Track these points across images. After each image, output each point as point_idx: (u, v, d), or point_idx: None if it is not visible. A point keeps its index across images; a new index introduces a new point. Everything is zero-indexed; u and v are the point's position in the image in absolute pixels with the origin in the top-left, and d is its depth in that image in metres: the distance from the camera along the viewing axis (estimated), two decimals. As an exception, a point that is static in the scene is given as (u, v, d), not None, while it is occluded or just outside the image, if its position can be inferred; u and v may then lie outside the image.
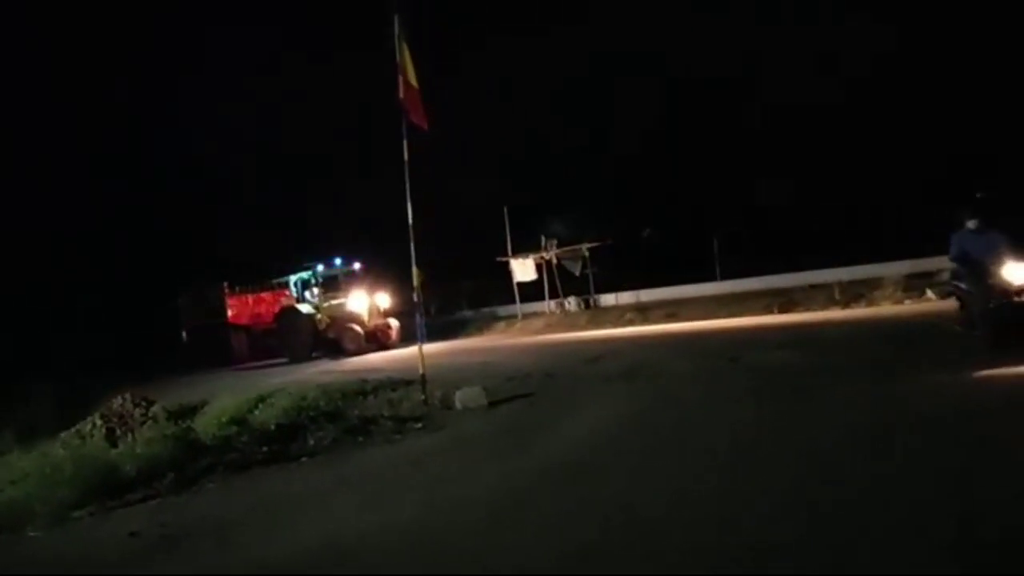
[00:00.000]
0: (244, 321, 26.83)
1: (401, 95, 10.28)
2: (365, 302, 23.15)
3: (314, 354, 22.97)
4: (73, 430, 9.87)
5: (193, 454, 7.51)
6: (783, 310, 20.00)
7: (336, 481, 6.55)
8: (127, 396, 10.62)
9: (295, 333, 23.49)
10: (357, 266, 24.57)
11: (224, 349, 25.92)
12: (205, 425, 9.11)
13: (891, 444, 5.59)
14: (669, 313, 22.61)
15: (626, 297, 28.56)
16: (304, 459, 7.55)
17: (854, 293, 20.08)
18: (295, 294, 24.83)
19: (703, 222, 30.06)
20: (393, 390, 11.15)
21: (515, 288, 29.30)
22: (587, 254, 28.08)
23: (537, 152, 36.49)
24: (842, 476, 4.90)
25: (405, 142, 10.31)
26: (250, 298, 27.22)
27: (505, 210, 28.52)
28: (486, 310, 31.24)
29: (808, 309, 19.57)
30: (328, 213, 37.83)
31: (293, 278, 24.90)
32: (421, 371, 10.27)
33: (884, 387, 7.79)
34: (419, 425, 8.70)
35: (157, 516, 5.92)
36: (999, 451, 5.11)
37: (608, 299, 28.87)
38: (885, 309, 17.90)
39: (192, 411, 10.91)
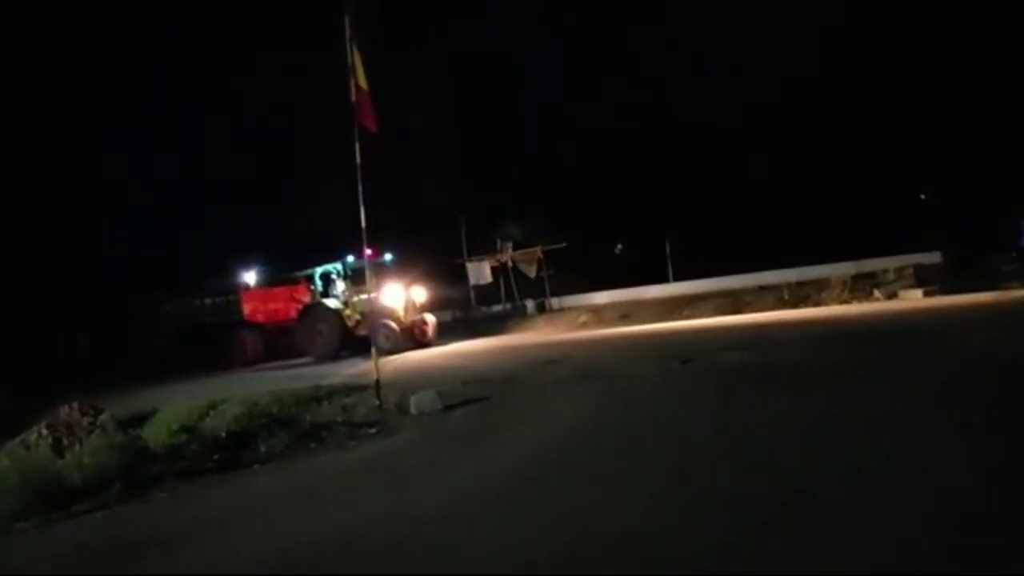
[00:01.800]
0: (260, 319, 25.31)
1: (353, 98, 10.28)
2: (400, 296, 21.35)
3: (342, 353, 21.31)
4: (18, 440, 9.62)
5: (142, 463, 7.40)
6: (734, 311, 20.38)
7: (288, 488, 6.51)
8: (74, 404, 10.37)
9: (321, 331, 21.80)
10: (389, 258, 22.25)
11: (238, 349, 24.39)
12: (154, 433, 8.96)
13: (849, 446, 5.64)
14: (623, 315, 22.85)
15: (580, 299, 28.78)
16: (256, 466, 7.50)
17: (802, 294, 20.58)
18: (318, 288, 22.97)
19: (658, 225, 30.48)
20: (348, 395, 11.09)
21: (471, 291, 29.35)
22: (542, 255, 28.26)
23: (495, 155, 36.65)
24: (808, 476, 4.93)
25: (357, 145, 10.31)
26: (266, 294, 26.14)
27: (462, 218, 28.54)
28: (443, 313, 31.14)
29: (758, 310, 19.96)
30: (330, 215, 37.27)
31: (319, 271, 23.06)
32: (376, 376, 10.25)
33: (831, 388, 8.00)
34: (373, 430, 8.68)
35: (105, 527, 5.83)
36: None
37: (563, 301, 29.07)
38: (833, 309, 18.37)
39: (142, 419, 10.71)
